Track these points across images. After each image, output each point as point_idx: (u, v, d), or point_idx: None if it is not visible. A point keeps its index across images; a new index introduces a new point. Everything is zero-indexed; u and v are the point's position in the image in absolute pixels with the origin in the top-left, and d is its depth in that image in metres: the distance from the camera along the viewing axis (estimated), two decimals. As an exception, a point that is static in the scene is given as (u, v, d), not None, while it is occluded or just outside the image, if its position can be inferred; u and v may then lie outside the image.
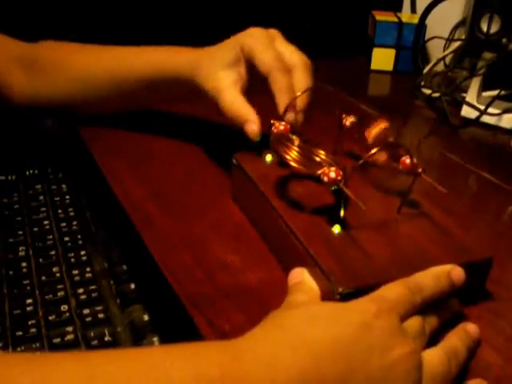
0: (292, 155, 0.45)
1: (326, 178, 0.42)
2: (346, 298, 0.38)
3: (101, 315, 0.52)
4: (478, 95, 0.80)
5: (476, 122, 0.75)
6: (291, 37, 0.98)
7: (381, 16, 0.95)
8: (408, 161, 0.45)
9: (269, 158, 0.53)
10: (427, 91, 0.86)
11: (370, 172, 0.51)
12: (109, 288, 0.56)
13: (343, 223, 0.44)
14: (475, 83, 0.80)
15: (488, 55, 0.81)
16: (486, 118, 0.77)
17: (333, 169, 0.42)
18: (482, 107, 0.77)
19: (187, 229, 0.50)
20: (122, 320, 0.51)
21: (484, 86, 0.81)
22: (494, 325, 0.42)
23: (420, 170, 0.45)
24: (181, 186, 0.57)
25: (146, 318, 0.51)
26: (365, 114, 0.79)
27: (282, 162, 0.51)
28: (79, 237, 0.64)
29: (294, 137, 0.48)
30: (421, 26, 0.85)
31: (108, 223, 0.65)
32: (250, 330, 0.33)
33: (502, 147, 0.73)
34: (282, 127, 0.50)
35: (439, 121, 0.80)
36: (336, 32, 1.03)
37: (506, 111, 0.75)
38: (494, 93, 0.81)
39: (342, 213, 0.43)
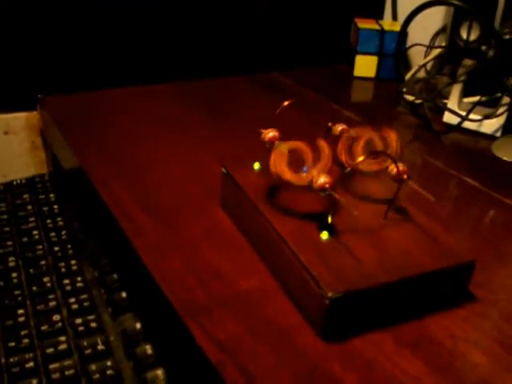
0: (280, 163, 0.46)
1: (315, 185, 0.43)
2: (335, 302, 0.39)
3: (93, 324, 0.52)
4: (459, 101, 0.81)
5: (458, 127, 0.77)
6: (274, 46, 1.00)
7: (363, 23, 0.97)
8: (394, 168, 0.46)
9: (257, 166, 0.54)
10: (410, 98, 0.87)
11: (356, 179, 0.52)
12: (100, 297, 0.56)
13: (331, 229, 0.45)
14: (456, 90, 0.81)
15: (468, 62, 0.83)
16: (467, 124, 0.78)
17: (322, 175, 0.43)
18: (464, 113, 0.78)
19: (178, 237, 0.51)
20: (115, 328, 0.52)
21: (464, 93, 0.82)
22: (480, 327, 0.43)
23: (405, 176, 0.46)
24: (170, 194, 0.58)
25: (138, 326, 0.51)
26: (352, 122, 0.80)
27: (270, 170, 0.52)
28: (69, 246, 0.64)
29: (283, 145, 0.49)
30: (403, 34, 0.87)
31: (97, 232, 0.65)
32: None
33: (484, 152, 0.75)
34: (270, 134, 0.51)
35: (422, 127, 0.82)
36: (318, 40, 1.04)
37: (486, 117, 0.77)
38: (475, 99, 0.83)
39: (329, 219, 0.44)
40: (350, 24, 1.03)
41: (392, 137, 0.48)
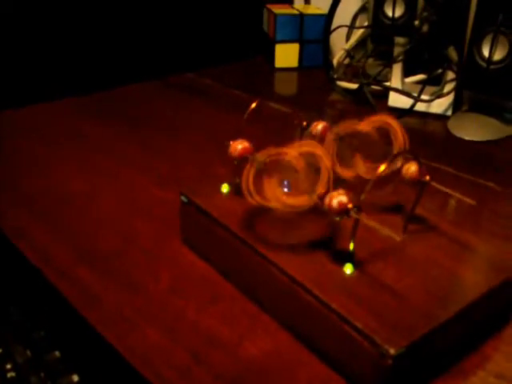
0: (269, 184, 0.35)
1: (331, 205, 0.33)
2: (399, 359, 0.29)
3: (45, 430, 0.39)
4: (402, 82, 0.74)
5: (411, 110, 0.70)
6: (183, 46, 0.88)
7: (278, 9, 0.87)
8: (412, 168, 0.37)
9: (225, 188, 0.43)
10: (343, 84, 0.79)
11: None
12: (43, 386, 0.43)
13: (353, 259, 0.35)
14: (397, 71, 0.74)
15: (401, 40, 0.76)
16: (416, 106, 0.71)
17: (340, 193, 0.33)
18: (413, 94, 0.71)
19: (142, 296, 0.39)
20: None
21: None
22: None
23: (427, 177, 0.37)
24: (112, 237, 0.45)
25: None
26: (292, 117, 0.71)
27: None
28: (-16, 322, 0.50)
29: (261, 156, 0.38)
30: (331, 15, 0.78)
31: (22, 297, 0.51)
32: None
33: (443, 134, 0.68)
34: (240, 146, 0.40)
35: (365, 114, 0.74)
36: (228, 33, 0.94)
37: (438, 96, 0.71)
38: (416, 78, 0.77)
39: (352, 247, 0.34)
40: (259, 12, 0.93)
41: (395, 127, 0.39)
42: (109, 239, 0.45)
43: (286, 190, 0.38)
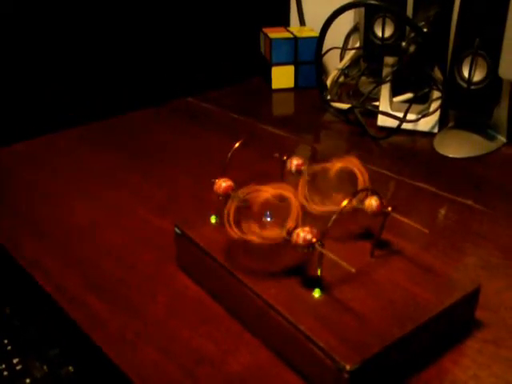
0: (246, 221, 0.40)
1: (297, 241, 0.38)
2: (354, 374, 0.34)
3: None
4: (391, 102, 0.79)
5: (397, 130, 0.74)
6: (180, 70, 0.93)
7: (273, 33, 0.92)
8: (376, 202, 0.42)
9: (214, 219, 0.48)
10: (336, 104, 0.84)
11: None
12: (59, 400, 0.48)
13: (321, 284, 0.39)
14: (385, 91, 0.79)
15: (389, 60, 0.81)
16: (403, 125, 0.76)
17: (304, 229, 0.38)
18: (399, 114, 0.76)
19: (141, 319, 0.44)
20: None
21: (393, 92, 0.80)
22: (498, 356, 0.40)
23: (389, 209, 0.42)
24: (115, 266, 0.50)
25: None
26: (284, 140, 0.75)
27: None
28: (5, 341, 0.55)
29: (241, 194, 0.43)
30: (322, 39, 0.83)
31: (37, 318, 0.57)
32: None
33: (427, 152, 0.72)
34: (224, 185, 0.45)
35: (356, 134, 0.78)
36: (225, 56, 0.98)
37: (421, 115, 0.75)
38: (404, 97, 0.81)
39: (319, 273, 0.39)
40: (256, 35, 0.98)
41: (357, 166, 0.44)
42: (113, 267, 0.50)
43: (268, 219, 0.43)
